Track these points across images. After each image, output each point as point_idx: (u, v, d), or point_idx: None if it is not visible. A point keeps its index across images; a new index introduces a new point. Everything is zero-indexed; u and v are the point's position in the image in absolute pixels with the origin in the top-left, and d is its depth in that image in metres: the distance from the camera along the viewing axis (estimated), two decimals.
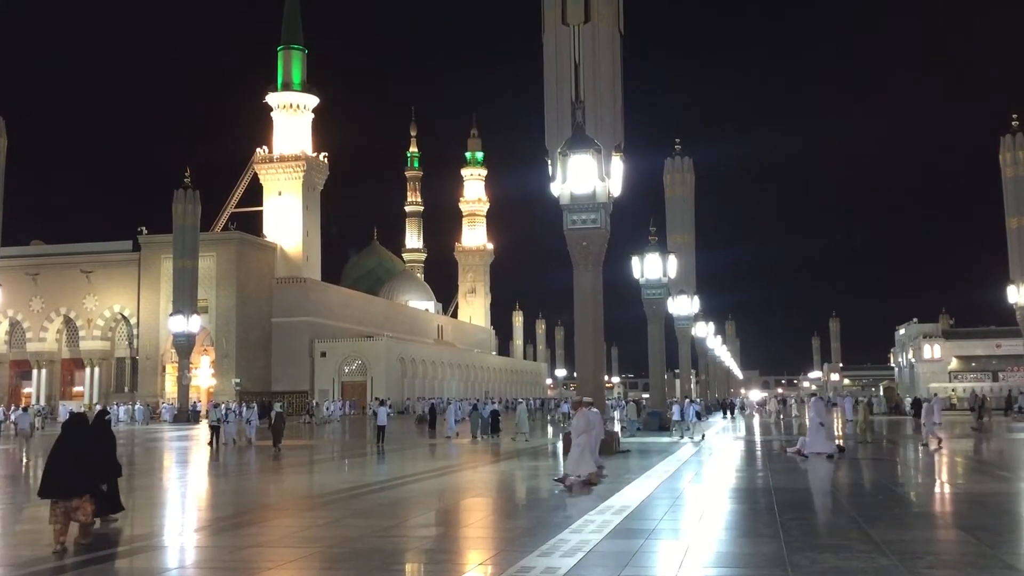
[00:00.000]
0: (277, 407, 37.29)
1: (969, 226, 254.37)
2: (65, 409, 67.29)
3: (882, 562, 9.98)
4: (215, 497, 19.51)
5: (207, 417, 44.69)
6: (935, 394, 60.88)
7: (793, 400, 68.62)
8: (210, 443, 33.76)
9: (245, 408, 46.14)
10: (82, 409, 67.04)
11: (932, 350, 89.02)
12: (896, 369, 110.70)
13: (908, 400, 62.60)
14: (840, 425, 42.59)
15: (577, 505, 15.06)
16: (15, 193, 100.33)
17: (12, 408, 60.81)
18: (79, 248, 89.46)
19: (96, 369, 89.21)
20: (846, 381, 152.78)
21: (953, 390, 77.33)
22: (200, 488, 21.18)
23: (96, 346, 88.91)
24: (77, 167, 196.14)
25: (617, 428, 35.96)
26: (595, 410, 21.39)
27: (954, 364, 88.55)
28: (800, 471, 21.50)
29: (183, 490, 20.48)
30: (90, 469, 12.19)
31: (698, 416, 37.51)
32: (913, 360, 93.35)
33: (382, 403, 39.12)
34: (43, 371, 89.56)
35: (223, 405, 40.96)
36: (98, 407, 56.45)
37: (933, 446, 27.69)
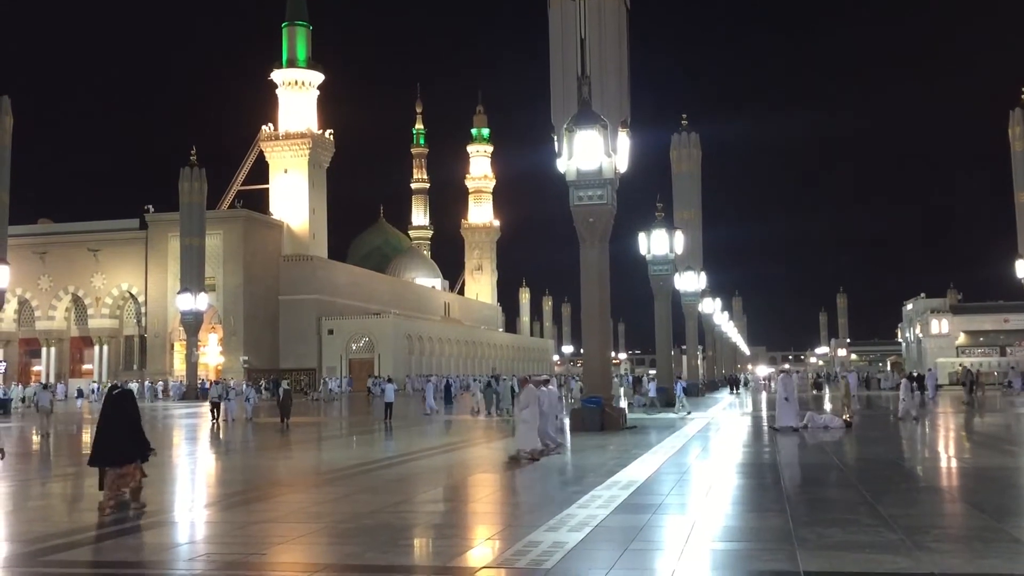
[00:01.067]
0: (284, 384, 37.93)
1: (978, 201, 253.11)
2: (68, 387, 67.64)
3: (889, 536, 9.99)
4: (224, 473, 19.63)
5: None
6: (929, 369, 61.04)
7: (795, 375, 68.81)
8: (214, 420, 34.00)
9: (245, 386, 46.40)
10: (115, 382, 67.38)
11: (940, 325, 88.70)
12: (904, 344, 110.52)
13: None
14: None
15: (583, 480, 15.11)
16: (22, 172, 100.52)
17: (19, 385, 61.13)
18: (86, 227, 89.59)
19: (105, 347, 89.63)
20: (853, 356, 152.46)
21: (960, 365, 77.20)
22: (209, 464, 21.31)
23: (104, 324, 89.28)
24: (83, 146, 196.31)
25: (623, 404, 36.04)
26: (550, 388, 21.68)
27: (962, 339, 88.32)
28: (805, 446, 21.53)
29: (192, 466, 20.60)
30: (138, 437, 13.10)
31: (685, 392, 38.58)
32: (921, 335, 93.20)
33: (389, 380, 39.41)
34: (52, 349, 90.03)
35: (222, 383, 41.23)
36: (112, 382, 56.75)
37: (907, 415, 29.01)
